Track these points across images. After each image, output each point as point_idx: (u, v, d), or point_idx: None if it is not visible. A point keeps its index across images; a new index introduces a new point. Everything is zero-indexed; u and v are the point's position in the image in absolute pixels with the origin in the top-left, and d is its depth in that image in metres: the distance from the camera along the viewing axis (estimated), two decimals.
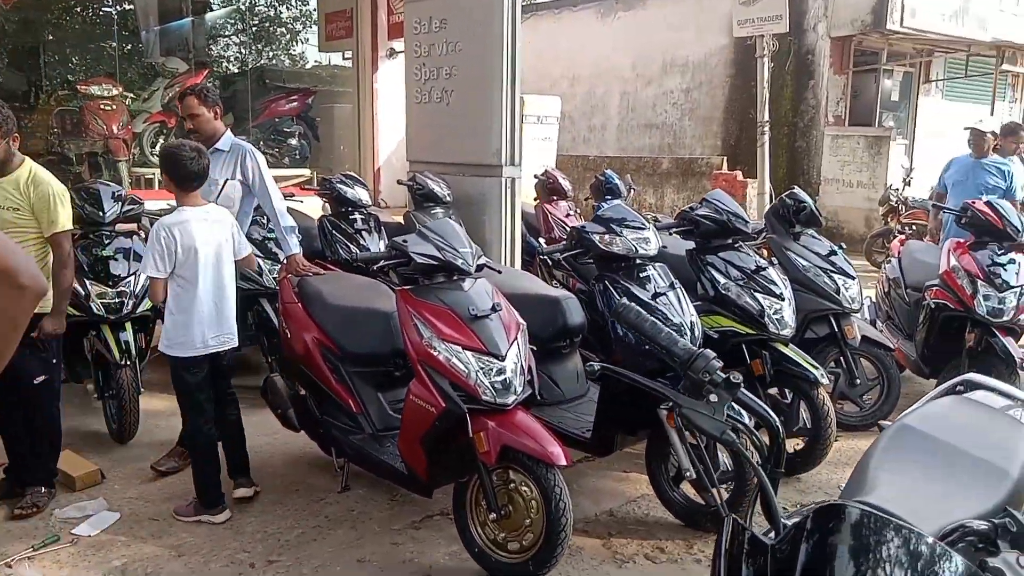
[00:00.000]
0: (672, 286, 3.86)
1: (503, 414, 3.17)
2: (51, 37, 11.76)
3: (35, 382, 3.75)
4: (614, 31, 14.72)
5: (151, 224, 5.44)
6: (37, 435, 3.83)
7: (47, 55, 11.50)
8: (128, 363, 4.38)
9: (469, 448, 3.17)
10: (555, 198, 7.11)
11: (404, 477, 3.48)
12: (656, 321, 2.48)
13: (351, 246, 5.62)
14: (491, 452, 3.10)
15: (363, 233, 5.73)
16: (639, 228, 3.97)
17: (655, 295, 3.74)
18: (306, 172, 9.31)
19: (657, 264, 3.98)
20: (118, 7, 12.06)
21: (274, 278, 5.17)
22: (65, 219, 3.76)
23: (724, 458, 3.53)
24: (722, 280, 4.22)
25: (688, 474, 3.37)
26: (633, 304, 2.68)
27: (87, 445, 4.45)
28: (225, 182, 4.25)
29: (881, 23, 11.95)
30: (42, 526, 3.63)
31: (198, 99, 4.23)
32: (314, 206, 6.69)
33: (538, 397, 3.46)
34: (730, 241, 4.38)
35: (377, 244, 5.70)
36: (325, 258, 5.41)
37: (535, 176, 7.40)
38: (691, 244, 4.47)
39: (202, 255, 3.62)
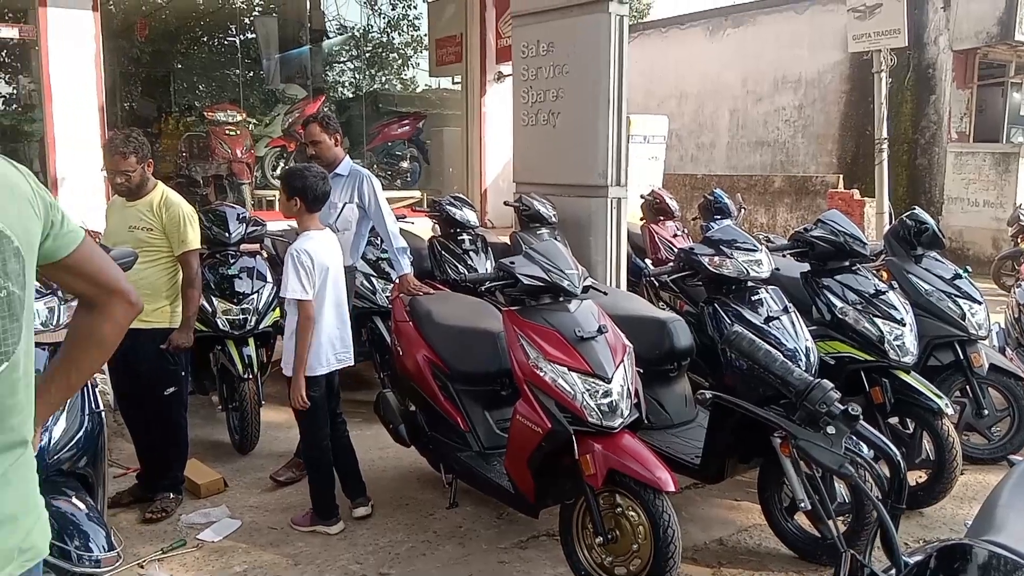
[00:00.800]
0: (786, 310, 3.76)
1: (610, 437, 3.16)
2: (180, 66, 12.53)
3: (166, 393, 3.99)
4: (723, 48, 14.51)
5: (273, 245, 5.71)
6: (166, 443, 4.07)
7: (176, 83, 12.27)
8: (251, 376, 4.60)
9: (575, 470, 3.17)
10: (662, 218, 7.05)
11: (511, 496, 3.51)
12: (771, 349, 2.43)
13: (459, 266, 5.73)
14: (597, 475, 3.09)
15: (471, 253, 5.84)
16: (750, 250, 3.89)
17: (768, 319, 3.65)
18: (416, 194, 9.56)
19: (770, 287, 3.89)
20: (241, 36, 12.74)
21: (386, 297, 5.33)
22: (194, 239, 4.00)
23: (842, 489, 3.40)
24: (839, 304, 4.08)
25: (803, 505, 3.28)
26: (746, 331, 2.64)
27: (211, 455, 4.69)
28: (344, 206, 4.42)
29: (1009, 34, 11.34)
30: (170, 530, 3.84)
31: (320, 126, 4.43)
32: (424, 227, 6.87)
33: (645, 421, 3.43)
34: (847, 263, 4.24)
35: (484, 264, 5.80)
36: (434, 278, 5.54)
37: (641, 196, 7.36)
38: (805, 266, 4.35)
39: (329, 277, 3.77)
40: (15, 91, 11.54)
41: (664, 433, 3.94)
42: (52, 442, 2.72)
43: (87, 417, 2.87)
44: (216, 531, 3.81)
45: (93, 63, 7.40)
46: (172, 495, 4.04)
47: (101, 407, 2.98)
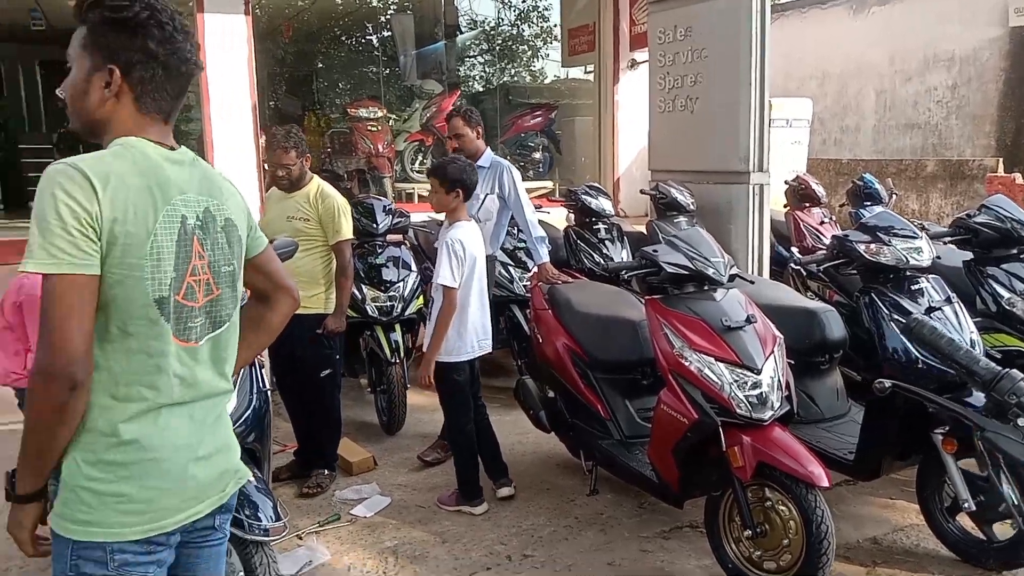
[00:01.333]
0: (949, 300, 3.55)
1: (759, 429, 3.09)
2: (321, 65, 13.08)
3: (321, 375, 4.21)
4: (868, 27, 13.77)
5: (415, 235, 5.90)
6: (321, 423, 4.29)
7: (318, 82, 12.82)
8: (397, 361, 4.78)
9: (723, 462, 3.13)
10: (807, 205, 6.78)
11: (654, 485, 3.50)
12: (953, 338, 2.30)
13: (595, 255, 5.74)
14: (746, 468, 3.04)
15: (606, 242, 5.83)
16: (910, 237, 3.70)
17: (929, 309, 3.46)
18: (548, 184, 9.61)
19: (930, 276, 3.68)
20: (378, 35, 13.17)
21: (524, 285, 5.40)
22: (347, 229, 4.19)
23: (1010, 491, 3.19)
24: (1006, 294, 3.84)
25: (967, 506, 3.11)
26: (927, 319, 2.50)
27: (361, 434, 4.91)
28: (485, 196, 4.52)
29: None
30: (325, 505, 4.05)
31: (463, 120, 4.54)
32: (558, 217, 6.90)
33: (796, 415, 3.33)
34: (1015, 251, 3.97)
35: (620, 253, 5.78)
36: (570, 267, 5.57)
37: (785, 182, 7.11)
38: (968, 254, 4.10)
39: (476, 266, 3.87)
40: None
41: (815, 428, 3.82)
42: None
43: (255, 396, 3.07)
44: (368, 507, 4.00)
45: (246, 65, 7.84)
46: (327, 472, 4.26)
47: (267, 387, 3.18)
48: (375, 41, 13.25)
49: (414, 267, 5.10)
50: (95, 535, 1.55)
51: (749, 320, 3.25)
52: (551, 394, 4.19)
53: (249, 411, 3.01)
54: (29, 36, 11.62)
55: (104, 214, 1.49)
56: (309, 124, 10.56)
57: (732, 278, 3.47)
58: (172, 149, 1.67)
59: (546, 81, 13.78)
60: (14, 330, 3.35)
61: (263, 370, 3.28)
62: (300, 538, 3.72)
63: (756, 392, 3.11)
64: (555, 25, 11.99)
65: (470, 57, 13.99)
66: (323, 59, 13.30)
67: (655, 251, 3.53)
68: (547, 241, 4.66)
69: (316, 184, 4.21)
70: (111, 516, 1.55)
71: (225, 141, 7.71)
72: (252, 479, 2.88)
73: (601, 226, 5.90)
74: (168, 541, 1.64)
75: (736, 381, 3.11)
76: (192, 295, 1.63)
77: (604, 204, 5.96)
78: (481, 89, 13.10)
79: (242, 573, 2.77)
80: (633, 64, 9.02)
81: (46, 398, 1.49)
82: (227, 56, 7.73)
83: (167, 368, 1.59)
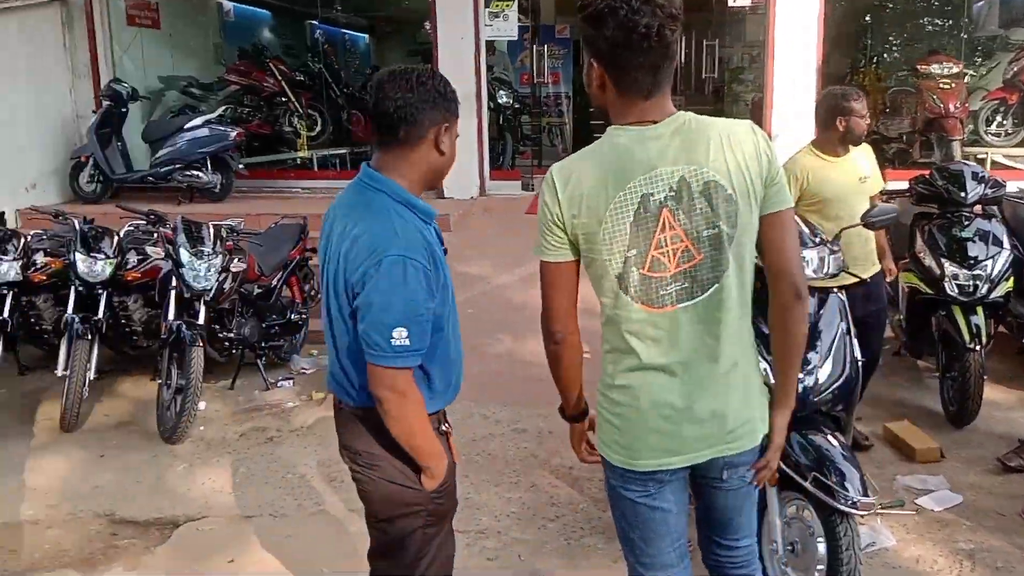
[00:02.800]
0: None
1: None
2: (871, 19, 12.11)
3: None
4: None
5: (1008, 209, 5.18)
6: None
7: (873, 36, 11.93)
8: (977, 347, 4.29)
9: None
10: None
11: None
12: None
13: None
14: None
15: None
16: None
17: None
18: None
19: None
20: None
21: None
22: None
23: None
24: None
25: None
26: None
27: (920, 420, 4.54)
28: None
29: None
30: (887, 488, 3.85)
31: None
32: None
33: None
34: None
35: None
36: None
37: None
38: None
39: None
40: (733, 57, 12.77)
41: None
42: (816, 384, 2.91)
43: (848, 365, 3.00)
44: (936, 501, 3.69)
45: (816, 25, 7.67)
46: None
47: (859, 357, 3.08)
48: None
49: (1006, 243, 4.48)
50: (603, 452, 1.96)
51: None
52: None
53: (841, 379, 2.96)
54: None
55: (564, 213, 1.81)
56: (865, 82, 9.96)
57: None
58: (654, 123, 1.78)
59: None
60: None
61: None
62: (862, 517, 3.59)
63: None
64: None
65: None
66: (875, 12, 12.34)
67: None
68: None
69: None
70: (607, 440, 1.93)
71: (785, 104, 7.69)
72: (836, 445, 2.86)
73: None
74: (655, 478, 1.90)
75: None
76: (659, 266, 1.78)
77: None
78: None
79: (822, 538, 2.77)
80: None
81: (545, 346, 1.96)
82: (796, 16, 7.64)
83: (638, 332, 1.82)
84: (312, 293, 5.92)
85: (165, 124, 8.39)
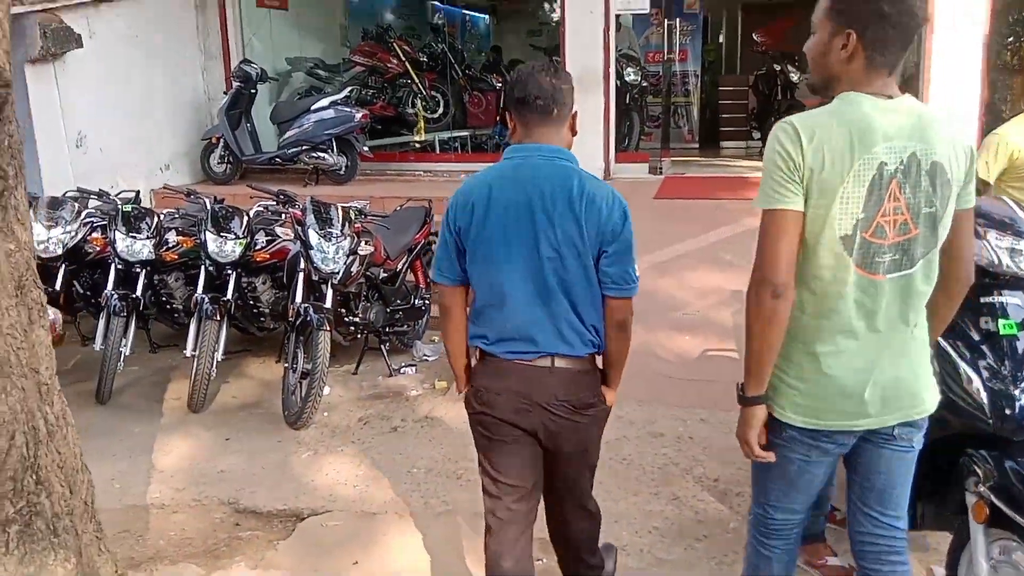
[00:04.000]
0: None
1: None
2: None
3: None
4: None
5: None
6: None
7: None
8: None
9: None
10: None
11: None
12: None
13: None
14: None
15: None
16: None
17: None
18: None
19: None
20: None
21: None
22: None
23: None
24: None
25: None
26: None
27: None
28: None
29: None
30: None
31: None
32: None
33: None
34: None
35: None
36: None
37: None
38: None
39: None
40: None
41: None
42: None
43: None
44: None
45: None
46: None
47: None
48: None
49: None
50: (782, 416, 2.00)
51: None
52: None
53: None
54: None
55: (806, 163, 1.82)
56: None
57: None
58: (890, 98, 1.87)
59: None
60: None
61: None
62: None
63: None
64: None
65: None
66: None
67: None
68: None
69: None
70: (787, 402, 1.99)
71: (945, 76, 7.02)
72: None
73: None
74: (832, 439, 2.00)
75: None
76: (881, 233, 1.87)
77: None
78: None
79: None
80: None
81: (758, 303, 1.88)
82: None
83: (847, 295, 1.89)
84: None
85: (292, 105, 8.41)
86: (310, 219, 4.48)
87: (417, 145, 9.52)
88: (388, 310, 5.19)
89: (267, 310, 5.14)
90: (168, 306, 5.27)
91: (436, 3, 12.27)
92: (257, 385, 5.14)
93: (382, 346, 5.20)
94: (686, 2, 11.33)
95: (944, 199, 1.88)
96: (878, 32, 1.83)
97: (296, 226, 4.53)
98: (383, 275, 5.17)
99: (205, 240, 4.72)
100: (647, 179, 8.09)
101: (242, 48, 8.95)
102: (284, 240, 4.92)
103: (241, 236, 4.81)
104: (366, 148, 8.19)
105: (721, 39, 13.99)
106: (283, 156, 8.04)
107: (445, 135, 9.55)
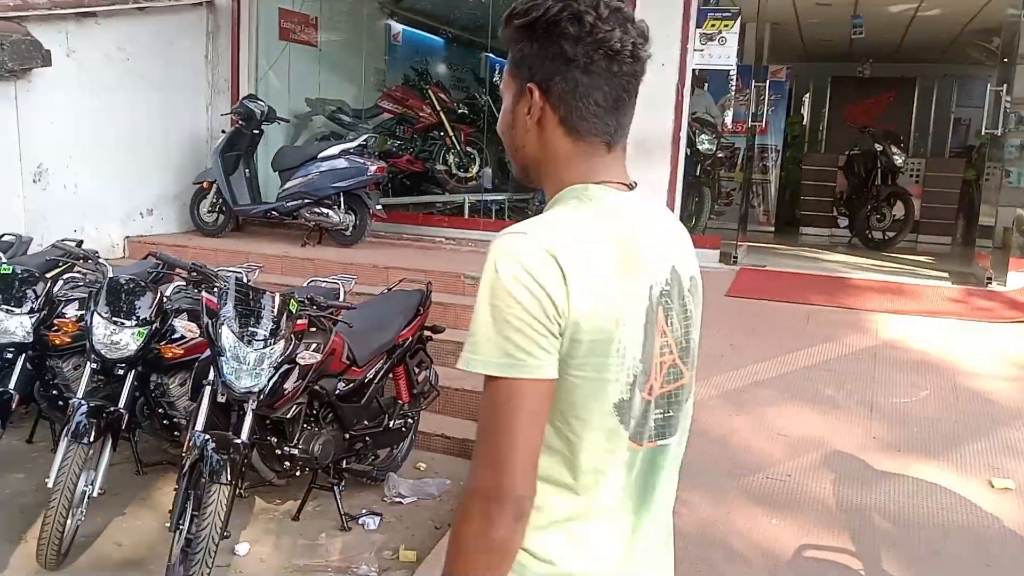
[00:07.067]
0: None
1: None
2: None
3: None
4: None
5: None
6: None
7: None
8: None
9: None
10: None
11: None
12: None
13: None
14: None
15: None
16: None
17: None
18: None
19: None
20: None
21: None
22: None
23: None
24: None
25: None
26: None
27: None
28: None
29: None
30: None
31: None
32: None
33: None
34: None
35: None
36: None
37: None
38: None
39: None
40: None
41: None
42: None
43: None
44: None
45: None
46: None
47: None
48: None
49: None
50: None
51: None
52: None
53: None
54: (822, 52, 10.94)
55: (572, 305, 1.14)
56: None
57: None
58: (630, 187, 1.28)
59: None
60: None
61: None
62: None
63: None
64: None
65: None
66: None
67: None
68: None
69: None
70: None
71: None
72: None
73: None
74: None
75: None
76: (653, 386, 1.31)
77: None
78: None
79: None
80: None
81: (489, 527, 1.13)
82: None
83: (609, 481, 1.24)
84: (426, 388, 4.27)
85: (297, 151, 7.14)
86: (228, 310, 3.06)
87: (444, 207, 8.17)
88: (346, 436, 3.71)
89: (183, 421, 3.73)
90: (60, 402, 3.89)
91: (491, 55, 11.11)
92: (159, 527, 3.68)
93: (335, 487, 3.72)
94: (770, 69, 9.95)
95: (697, 325, 1.34)
96: (566, 84, 1.21)
97: (207, 318, 3.10)
98: (343, 387, 3.70)
99: (90, 325, 3.34)
100: (717, 269, 6.59)
101: (255, 83, 7.80)
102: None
103: (147, 321, 3.43)
104: (379, 207, 6.84)
105: (803, 112, 12.57)
106: (280, 209, 6.76)
107: (475, 197, 8.13)
